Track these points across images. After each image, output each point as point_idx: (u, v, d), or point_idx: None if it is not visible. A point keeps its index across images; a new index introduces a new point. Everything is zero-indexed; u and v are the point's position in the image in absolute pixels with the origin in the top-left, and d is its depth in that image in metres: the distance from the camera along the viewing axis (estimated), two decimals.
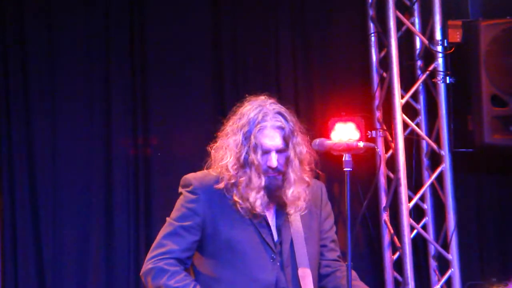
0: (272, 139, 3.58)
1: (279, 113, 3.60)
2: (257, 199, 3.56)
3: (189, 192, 3.65)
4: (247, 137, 3.58)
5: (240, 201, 3.58)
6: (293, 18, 6.39)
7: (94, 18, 6.13)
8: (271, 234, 3.63)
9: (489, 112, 5.75)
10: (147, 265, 3.59)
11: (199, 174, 3.71)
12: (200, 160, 5.94)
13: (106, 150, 6.11)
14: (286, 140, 3.59)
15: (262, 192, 3.57)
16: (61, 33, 6.08)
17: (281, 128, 3.59)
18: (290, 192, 3.60)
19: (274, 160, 3.57)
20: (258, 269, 3.58)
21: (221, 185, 3.61)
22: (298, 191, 3.61)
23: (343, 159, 3.50)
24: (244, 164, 3.58)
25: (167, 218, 3.68)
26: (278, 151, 3.59)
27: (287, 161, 3.59)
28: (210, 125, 5.97)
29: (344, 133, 5.91)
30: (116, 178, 6.09)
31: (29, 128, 6.00)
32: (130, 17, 6.18)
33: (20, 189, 5.94)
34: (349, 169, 3.49)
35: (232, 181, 3.59)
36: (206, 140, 5.90)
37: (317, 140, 3.59)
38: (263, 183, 3.57)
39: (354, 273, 3.80)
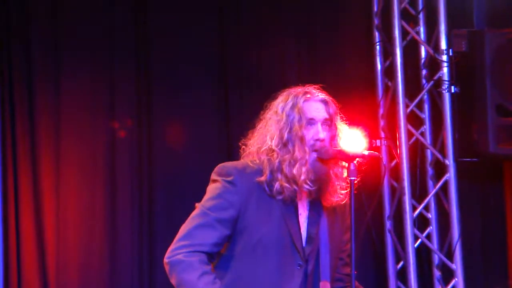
0: (318, 110, 3.51)
1: (321, 91, 3.56)
2: (302, 172, 3.43)
3: (228, 182, 3.47)
4: (290, 113, 3.48)
5: (286, 184, 3.44)
6: (299, 27, 6.40)
7: (99, 24, 6.17)
8: (301, 240, 3.51)
9: (494, 121, 5.74)
10: (176, 254, 3.41)
11: (239, 164, 3.54)
12: (204, 159, 5.99)
13: (111, 149, 6.13)
14: (330, 114, 3.52)
15: (308, 167, 3.44)
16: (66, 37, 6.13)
17: (325, 102, 3.53)
18: (337, 170, 3.50)
19: (321, 132, 3.48)
20: (284, 274, 3.46)
21: (263, 178, 3.47)
22: (344, 170, 3.50)
23: (348, 168, 3.46)
24: (288, 142, 3.46)
25: (198, 205, 3.51)
26: (323, 124, 3.51)
27: (332, 138, 3.52)
28: (213, 129, 6.12)
29: (349, 142, 5.89)
30: (119, 180, 6.13)
31: (32, 123, 6.03)
32: (135, 22, 6.21)
33: (24, 190, 5.97)
34: (353, 178, 3.43)
35: (277, 160, 3.45)
36: (208, 143, 5.99)
37: (322, 148, 3.51)
38: (307, 157, 3.44)
39: None
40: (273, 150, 3.48)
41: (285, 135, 3.47)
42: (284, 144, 3.47)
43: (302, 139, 3.47)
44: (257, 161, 3.52)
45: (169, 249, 3.45)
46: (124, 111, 6.17)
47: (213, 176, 3.54)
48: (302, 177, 3.44)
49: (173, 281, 3.41)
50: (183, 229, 3.47)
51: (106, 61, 6.17)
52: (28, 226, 5.98)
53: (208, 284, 3.37)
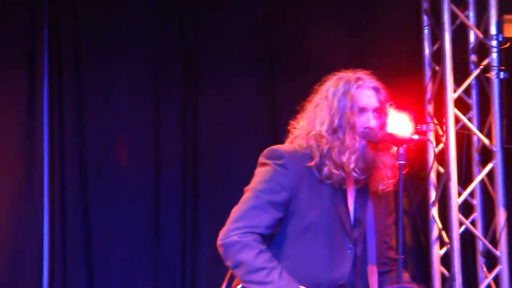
0: (369, 98, 3.48)
1: (372, 77, 3.54)
2: (352, 161, 3.40)
3: (279, 165, 3.44)
4: (342, 99, 3.45)
5: (334, 170, 3.41)
6: (347, 9, 6.35)
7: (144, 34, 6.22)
8: (350, 224, 3.50)
9: None
10: (230, 236, 3.39)
11: (288, 148, 3.51)
12: (249, 144, 5.98)
13: (155, 153, 6.16)
14: (381, 102, 3.49)
15: (357, 155, 3.41)
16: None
17: (376, 89, 3.50)
18: (385, 158, 3.46)
19: (372, 120, 3.46)
20: (335, 257, 3.45)
21: (313, 163, 3.45)
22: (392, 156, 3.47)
23: (397, 151, 3.41)
24: (338, 128, 3.43)
25: (249, 187, 3.47)
26: (374, 112, 3.48)
27: (382, 125, 3.49)
28: (259, 133, 6.11)
29: (397, 125, 5.86)
30: (164, 183, 6.16)
31: (81, 132, 6.10)
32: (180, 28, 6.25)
33: (71, 191, 6.04)
34: (402, 162, 3.39)
35: (327, 146, 3.42)
36: (254, 128, 5.99)
37: (371, 132, 3.47)
38: (357, 145, 3.42)
39: (406, 275, 3.73)
40: (322, 136, 3.45)
41: (336, 122, 3.44)
42: (334, 131, 3.44)
43: (353, 126, 3.44)
44: (305, 145, 3.50)
45: (223, 231, 3.44)
46: (169, 98, 6.20)
47: (262, 159, 3.51)
48: (352, 166, 3.42)
49: (229, 262, 3.40)
50: (236, 212, 3.45)
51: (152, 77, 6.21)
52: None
53: (266, 261, 3.36)
